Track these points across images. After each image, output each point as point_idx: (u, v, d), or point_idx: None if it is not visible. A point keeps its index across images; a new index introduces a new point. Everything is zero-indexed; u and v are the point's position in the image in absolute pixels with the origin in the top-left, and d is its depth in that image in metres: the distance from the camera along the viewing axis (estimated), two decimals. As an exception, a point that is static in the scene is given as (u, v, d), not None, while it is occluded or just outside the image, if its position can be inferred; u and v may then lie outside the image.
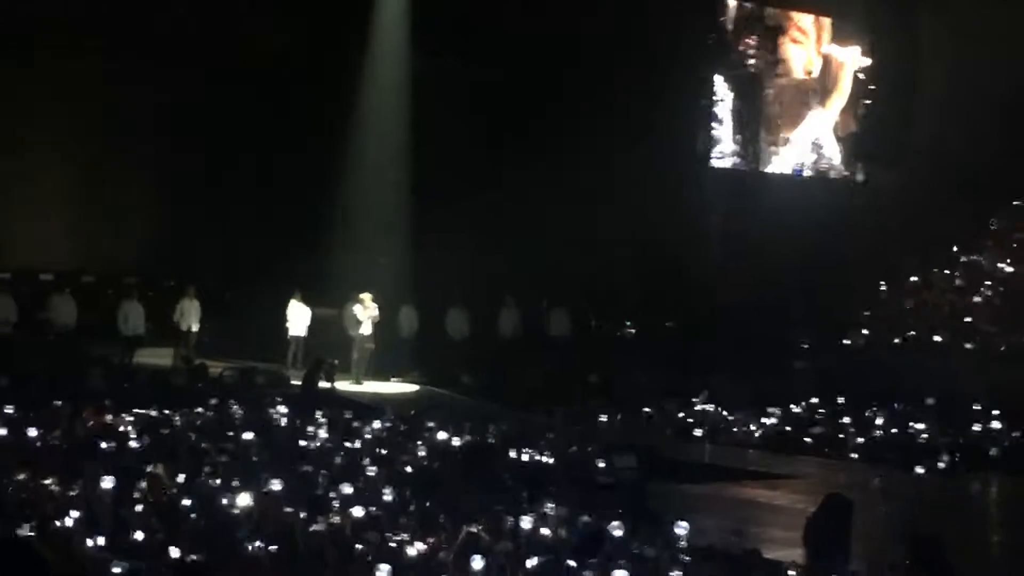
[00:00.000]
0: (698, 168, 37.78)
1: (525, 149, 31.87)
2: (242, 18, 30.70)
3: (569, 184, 32.06)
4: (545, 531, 13.16)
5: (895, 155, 39.97)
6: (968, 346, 32.09)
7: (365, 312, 27.86)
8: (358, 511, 13.34)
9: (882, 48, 40.03)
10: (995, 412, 25.72)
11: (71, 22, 29.19)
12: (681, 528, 13.13)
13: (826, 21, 39.44)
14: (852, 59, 39.96)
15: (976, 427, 24.66)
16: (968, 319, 33.68)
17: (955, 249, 37.18)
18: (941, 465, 22.14)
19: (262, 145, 30.43)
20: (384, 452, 18.34)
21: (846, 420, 25.23)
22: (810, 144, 39.67)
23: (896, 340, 33.47)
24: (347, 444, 18.93)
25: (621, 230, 33.32)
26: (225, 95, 30.32)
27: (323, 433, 19.73)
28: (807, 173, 39.88)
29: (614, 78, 33.34)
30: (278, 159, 30.71)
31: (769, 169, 39.22)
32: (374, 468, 16.53)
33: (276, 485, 14.58)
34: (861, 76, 39.70)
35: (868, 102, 39.50)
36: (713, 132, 38.15)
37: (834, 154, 40.08)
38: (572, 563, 11.78)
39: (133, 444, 17.62)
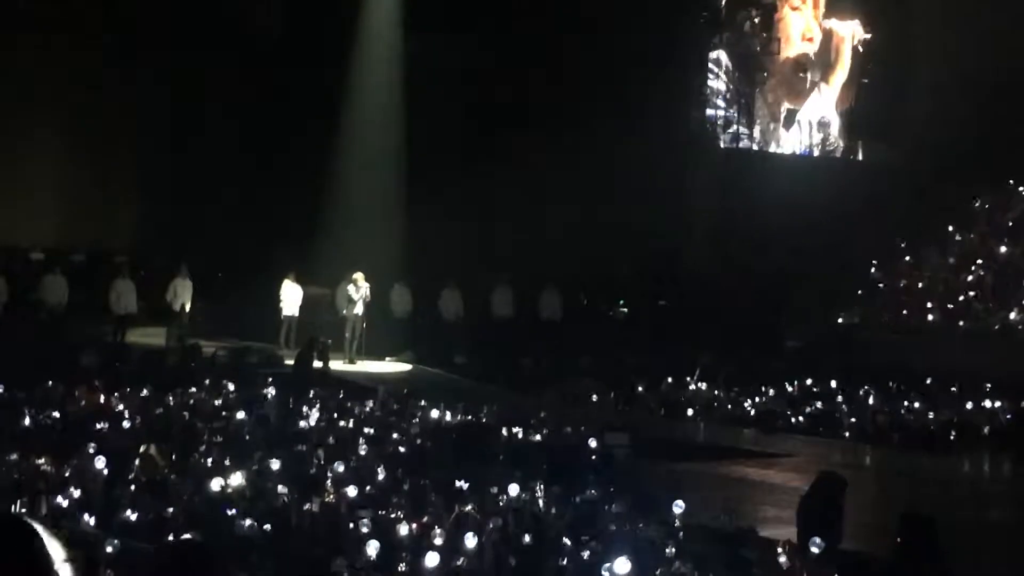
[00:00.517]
0: (694, 147, 37.77)
1: (521, 132, 31.82)
2: (237, 4, 30.64)
3: (566, 166, 32.02)
4: (537, 509, 13.16)
5: (888, 133, 39.97)
6: (961, 324, 32.11)
7: (358, 291, 27.85)
8: (351, 490, 13.34)
9: (876, 25, 40.01)
10: (989, 390, 25.76)
11: (68, 3, 29.14)
12: (676, 507, 13.12)
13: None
14: (852, 33, 39.93)
15: (970, 406, 24.68)
16: (961, 298, 33.69)
17: (949, 228, 37.16)
18: (935, 443, 22.17)
19: (256, 127, 30.40)
20: (377, 431, 18.32)
21: (840, 399, 25.25)
22: (816, 124, 39.69)
23: (892, 321, 33.48)
24: (340, 423, 18.92)
25: (617, 211, 33.29)
26: (220, 81, 30.30)
27: (316, 412, 19.71)
28: (815, 154, 39.96)
29: (613, 60, 33.29)
30: (273, 140, 30.67)
31: (773, 148, 39.27)
32: (367, 447, 16.51)
33: (272, 464, 14.58)
34: (860, 50, 39.69)
35: (865, 80, 39.47)
36: (713, 112, 38.16)
37: (839, 132, 40.13)
38: (567, 541, 11.78)
39: (126, 424, 17.59)
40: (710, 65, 38.17)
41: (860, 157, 40.77)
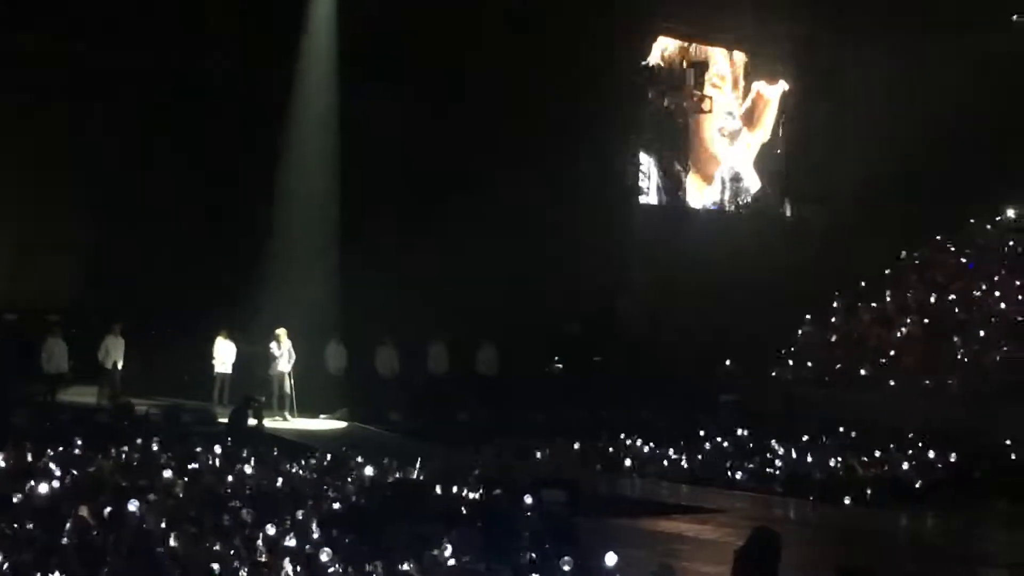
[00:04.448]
0: (625, 204, 38.08)
1: (456, 191, 31.95)
2: (176, 56, 30.56)
3: (499, 225, 32.16)
4: (475, 567, 13.12)
5: (820, 191, 40.50)
6: (891, 383, 32.34)
7: (280, 348, 27.74)
8: (285, 548, 13.24)
9: (806, 86, 40.63)
10: (921, 445, 26.02)
11: (4, 59, 29.01)
12: (611, 561, 13.12)
13: (740, 59, 40.11)
14: (778, 95, 40.56)
15: (902, 459, 24.90)
16: (892, 352, 34.01)
17: (880, 283, 37.59)
18: (868, 497, 22.32)
19: (187, 180, 30.32)
20: (312, 489, 18.20)
21: (773, 453, 25.40)
22: (729, 179, 40.24)
23: (825, 376, 33.72)
24: (274, 481, 18.78)
25: (552, 268, 33.49)
26: (152, 134, 30.24)
27: (250, 470, 19.55)
28: (728, 208, 40.39)
29: (544, 121, 33.58)
30: (207, 198, 30.58)
31: (693, 204, 39.70)
32: (301, 505, 16.39)
33: (205, 523, 14.44)
34: (787, 107, 40.33)
35: (790, 141, 40.03)
36: (644, 169, 38.58)
37: (753, 184, 40.57)
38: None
39: (56, 483, 17.36)
40: (642, 124, 38.58)
41: (788, 213, 41.30)
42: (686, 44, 39.33)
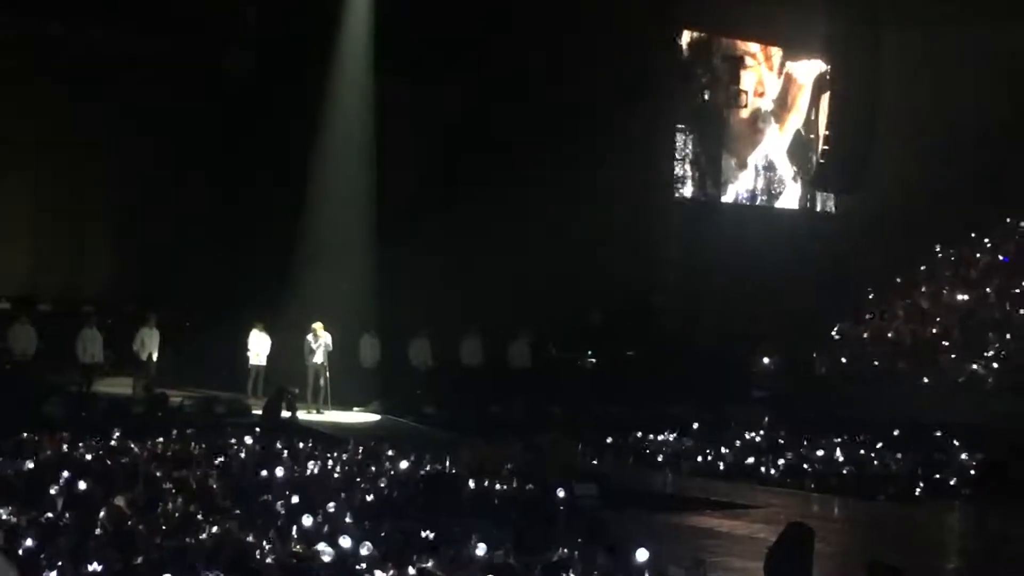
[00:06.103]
0: (661, 199, 37.96)
1: (491, 183, 31.90)
2: (208, 48, 30.63)
3: (535, 217, 32.14)
4: (509, 562, 13.13)
5: (855, 185, 40.25)
6: (925, 380, 32.16)
7: (316, 341, 27.81)
8: (319, 541, 13.27)
9: (838, 79, 40.29)
10: (955, 441, 25.90)
11: (37, 47, 29.10)
12: (642, 556, 13.12)
13: (776, 50, 39.89)
14: (811, 75, 40.24)
15: (936, 456, 24.79)
16: (927, 349, 33.85)
17: (915, 278, 37.41)
18: (901, 493, 22.24)
19: (223, 174, 30.41)
20: (345, 482, 18.26)
21: (807, 449, 25.32)
22: (762, 167, 39.98)
23: (859, 372, 33.59)
24: (308, 473, 18.85)
25: (586, 260, 33.43)
26: (188, 123, 30.32)
27: (283, 462, 19.62)
28: (760, 199, 40.15)
29: (578, 110, 33.47)
30: (242, 189, 30.66)
31: (727, 198, 39.50)
32: (335, 498, 16.44)
33: (239, 514, 14.51)
34: (821, 90, 39.95)
35: (826, 133, 39.67)
36: (680, 162, 38.44)
37: (786, 174, 40.32)
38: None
39: (91, 474, 17.46)
40: (676, 118, 38.43)
41: (820, 207, 41.05)
42: (719, 38, 39.13)
